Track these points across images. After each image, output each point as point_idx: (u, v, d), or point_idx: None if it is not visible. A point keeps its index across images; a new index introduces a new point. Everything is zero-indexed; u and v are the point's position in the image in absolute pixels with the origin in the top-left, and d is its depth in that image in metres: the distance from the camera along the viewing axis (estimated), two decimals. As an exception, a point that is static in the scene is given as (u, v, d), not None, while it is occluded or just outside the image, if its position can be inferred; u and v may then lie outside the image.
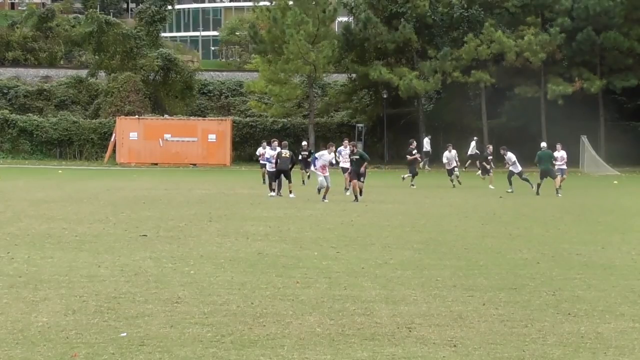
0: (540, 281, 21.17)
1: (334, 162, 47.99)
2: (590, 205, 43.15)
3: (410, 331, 14.72)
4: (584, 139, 67.15)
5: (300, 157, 52.41)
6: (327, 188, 26.41)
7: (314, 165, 47.28)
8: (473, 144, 66.26)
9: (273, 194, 48.33)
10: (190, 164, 69.62)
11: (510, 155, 57.43)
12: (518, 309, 17.24)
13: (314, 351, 13.20)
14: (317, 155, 47.34)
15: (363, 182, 26.69)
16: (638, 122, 74.64)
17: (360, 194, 42.65)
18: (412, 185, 56.44)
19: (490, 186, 57.45)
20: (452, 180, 61.49)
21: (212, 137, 68.93)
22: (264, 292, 18.66)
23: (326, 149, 47.98)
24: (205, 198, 43.43)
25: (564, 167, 56.64)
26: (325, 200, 27.54)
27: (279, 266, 22.26)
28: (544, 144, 57.64)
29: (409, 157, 56.35)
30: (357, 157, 27.51)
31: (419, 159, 59.26)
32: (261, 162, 51.72)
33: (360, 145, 45.45)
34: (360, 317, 15.83)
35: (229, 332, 14.64)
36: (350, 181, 43.72)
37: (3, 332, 14.12)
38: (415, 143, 60.08)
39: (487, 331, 14.87)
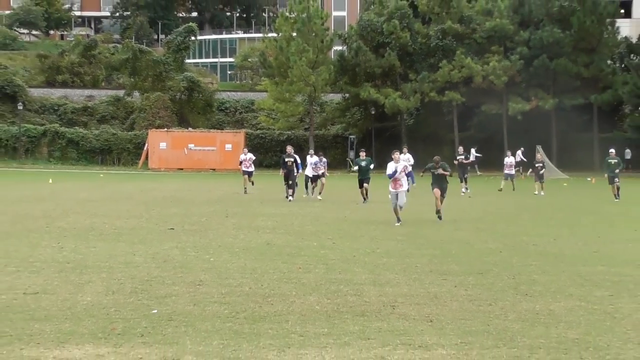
0: (503, 267, 21.54)
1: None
2: (544, 204, 43.27)
3: (393, 309, 15.26)
4: (539, 148, 66.94)
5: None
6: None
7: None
8: (519, 152, 64.19)
9: (305, 195, 48.25)
10: (210, 169, 69.33)
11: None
12: (484, 290, 17.73)
13: (314, 325, 13.68)
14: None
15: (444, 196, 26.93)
16: (584, 134, 74.17)
17: (367, 196, 43.63)
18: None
19: (541, 192, 54.66)
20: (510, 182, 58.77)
21: (228, 146, 68.91)
22: (271, 276, 19.15)
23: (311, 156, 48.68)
24: (223, 198, 43.48)
25: (512, 172, 56.43)
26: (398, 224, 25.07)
27: (284, 254, 22.72)
28: (509, 153, 56.99)
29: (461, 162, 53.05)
30: (447, 170, 27.55)
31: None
32: (243, 168, 50.78)
33: (352, 154, 44.65)
34: (352, 297, 16.48)
35: (242, 310, 15.01)
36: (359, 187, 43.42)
37: (54, 309, 14.73)
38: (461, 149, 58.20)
39: (458, 309, 15.39)
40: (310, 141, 73.80)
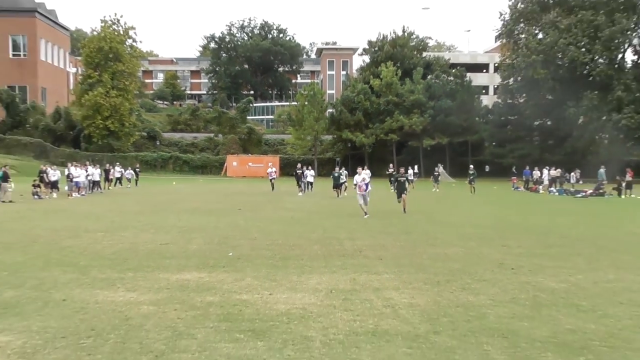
0: (421, 230, 21.62)
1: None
2: (440, 196, 42.29)
3: (360, 252, 16.54)
4: (440, 166, 66.64)
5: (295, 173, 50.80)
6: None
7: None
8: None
9: (301, 193, 44.02)
10: (260, 177, 68.74)
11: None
12: (410, 242, 18.06)
13: (317, 261, 14.79)
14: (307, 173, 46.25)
15: (406, 195, 26.81)
16: (464, 158, 73.94)
17: (341, 194, 41.01)
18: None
19: (437, 190, 50.35)
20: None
21: (270, 164, 68.11)
22: (293, 235, 20.06)
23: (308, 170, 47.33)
24: (266, 192, 43.01)
25: (413, 178, 51.48)
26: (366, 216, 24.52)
27: (301, 223, 23.69)
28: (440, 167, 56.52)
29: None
30: (403, 177, 27.71)
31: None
32: (269, 177, 49.36)
33: (337, 169, 43.54)
34: (337, 247, 17.52)
35: (278, 253, 16.15)
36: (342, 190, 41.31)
37: (176, 252, 16.32)
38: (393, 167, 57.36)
39: (395, 253, 16.55)
40: (315, 162, 73.76)
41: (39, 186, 38.44)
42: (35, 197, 36.84)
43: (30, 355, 7.43)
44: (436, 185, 51.88)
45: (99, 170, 47.37)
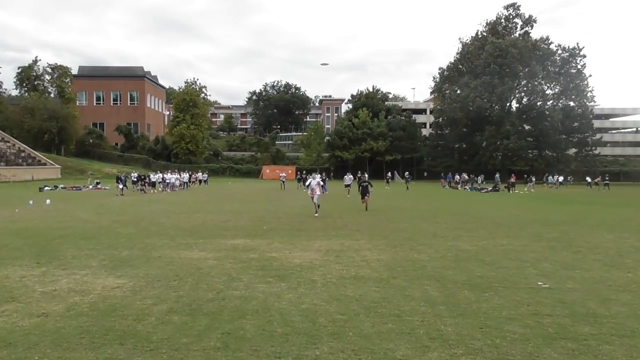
0: (383, 213, 20.90)
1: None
2: (396, 191, 41.39)
3: (346, 227, 16.10)
4: (395, 172, 65.92)
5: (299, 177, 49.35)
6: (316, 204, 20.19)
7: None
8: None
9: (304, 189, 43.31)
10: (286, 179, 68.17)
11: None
12: (378, 220, 17.86)
13: (319, 232, 14.80)
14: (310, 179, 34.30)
15: (368, 197, 22.17)
16: (410, 167, 72.88)
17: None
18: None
19: (387, 187, 49.89)
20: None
21: (290, 171, 67.47)
22: (304, 215, 19.39)
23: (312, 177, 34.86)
24: (288, 189, 42.43)
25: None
26: (316, 215, 19.23)
27: (308, 209, 21.71)
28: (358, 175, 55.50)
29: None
30: (366, 182, 22.57)
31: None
32: (280, 180, 47.89)
33: (321, 176, 40.88)
34: (332, 223, 17.02)
35: (294, 227, 16.15)
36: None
37: (229, 226, 15.66)
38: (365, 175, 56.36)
39: (370, 227, 15.82)
40: (317, 170, 72.76)
41: (144, 184, 38.46)
42: (141, 192, 36.77)
43: (138, 292, 7.52)
44: (388, 185, 50.78)
45: (187, 175, 47.91)
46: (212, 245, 11.94)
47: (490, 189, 44.97)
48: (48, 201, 26.08)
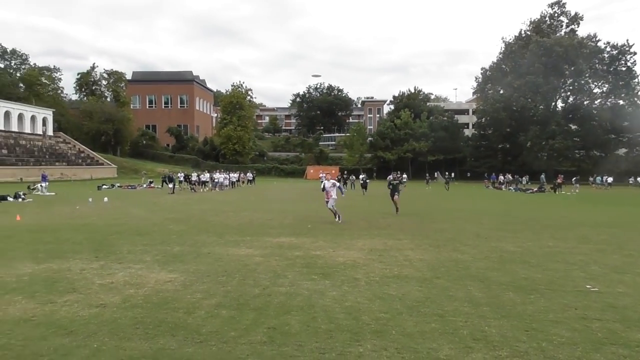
0: (425, 213, 20.73)
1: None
2: (436, 192, 40.57)
3: (389, 226, 15.71)
4: (437, 172, 64.96)
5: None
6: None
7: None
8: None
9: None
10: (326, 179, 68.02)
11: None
12: (420, 221, 17.50)
13: (362, 231, 15.03)
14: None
15: (397, 196, 19.39)
16: (452, 168, 71.67)
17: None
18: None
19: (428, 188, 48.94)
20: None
21: (333, 171, 67.47)
22: (347, 215, 18.56)
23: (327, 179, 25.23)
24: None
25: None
26: (338, 221, 16.19)
27: (351, 208, 21.68)
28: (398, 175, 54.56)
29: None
30: (396, 181, 19.89)
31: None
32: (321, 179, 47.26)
33: (365, 175, 39.22)
34: (374, 223, 16.99)
35: (338, 226, 15.53)
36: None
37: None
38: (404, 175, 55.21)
39: (412, 227, 15.58)
40: (361, 170, 72.58)
41: (194, 184, 39.32)
42: (192, 190, 37.57)
43: (189, 286, 7.65)
44: (428, 186, 50.33)
45: (235, 175, 48.82)
46: (258, 242, 11.97)
47: (535, 189, 43.75)
48: (106, 199, 27.01)
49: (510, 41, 75.94)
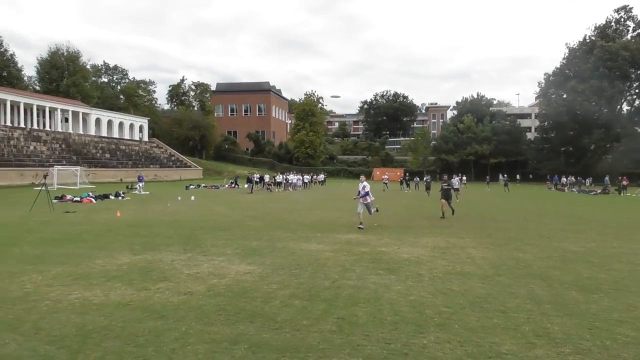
0: (487, 213, 19.82)
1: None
2: (495, 192, 38.55)
3: (451, 225, 15.47)
4: (505, 175, 62.42)
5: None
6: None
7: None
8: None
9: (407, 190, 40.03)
10: (392, 181, 67.65)
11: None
12: (482, 220, 16.83)
13: (425, 229, 14.70)
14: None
15: (450, 201, 17.39)
16: (514, 170, 68.77)
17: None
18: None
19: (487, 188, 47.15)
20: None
21: (399, 173, 66.50)
22: (411, 214, 18.69)
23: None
24: (391, 190, 41.56)
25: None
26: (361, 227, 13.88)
27: (413, 207, 21.29)
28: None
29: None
30: (448, 186, 17.71)
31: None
32: (383, 181, 43.17)
33: (444, 177, 37.11)
34: (437, 222, 16.12)
35: (402, 225, 15.73)
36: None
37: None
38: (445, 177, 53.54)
39: (474, 226, 15.26)
40: (424, 172, 71.12)
41: (270, 184, 40.19)
42: (268, 191, 38.40)
43: (265, 277, 7.75)
44: (489, 187, 48.51)
45: (308, 176, 49.73)
46: (328, 239, 11.95)
47: (599, 191, 41.23)
48: (193, 197, 28.06)
49: (574, 47, 72.07)
